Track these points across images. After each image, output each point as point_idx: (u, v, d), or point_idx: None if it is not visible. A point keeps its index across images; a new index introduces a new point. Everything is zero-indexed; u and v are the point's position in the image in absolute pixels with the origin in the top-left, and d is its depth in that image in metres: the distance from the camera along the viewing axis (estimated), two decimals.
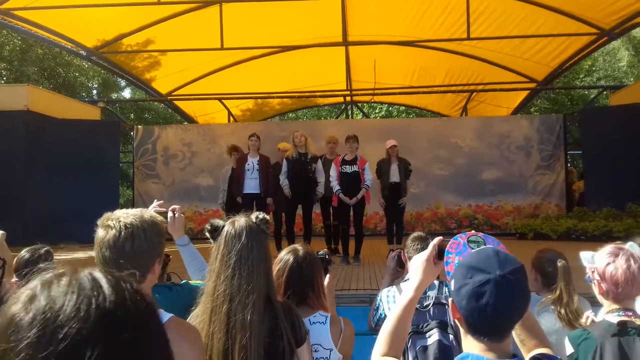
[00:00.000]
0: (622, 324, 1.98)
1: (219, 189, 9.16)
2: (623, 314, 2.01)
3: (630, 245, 2.12)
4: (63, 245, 10.23)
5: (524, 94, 14.92)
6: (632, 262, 2.03)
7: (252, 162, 7.77)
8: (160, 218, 1.73)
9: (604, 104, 17.27)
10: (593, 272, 2.10)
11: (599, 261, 2.10)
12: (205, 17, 10.66)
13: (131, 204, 13.91)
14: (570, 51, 12.30)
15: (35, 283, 0.74)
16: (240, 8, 10.62)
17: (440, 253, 1.67)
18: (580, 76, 22.30)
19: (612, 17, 10.52)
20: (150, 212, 1.72)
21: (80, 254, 8.99)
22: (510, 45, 12.14)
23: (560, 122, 13.01)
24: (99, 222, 1.64)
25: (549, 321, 2.57)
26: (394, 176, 8.00)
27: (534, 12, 10.76)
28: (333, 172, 7.49)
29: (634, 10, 10.03)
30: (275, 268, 2.19)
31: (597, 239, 10.01)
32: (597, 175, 11.77)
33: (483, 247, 1.53)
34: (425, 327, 2.44)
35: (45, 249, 3.04)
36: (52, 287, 0.73)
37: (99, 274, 0.76)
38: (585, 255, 2.17)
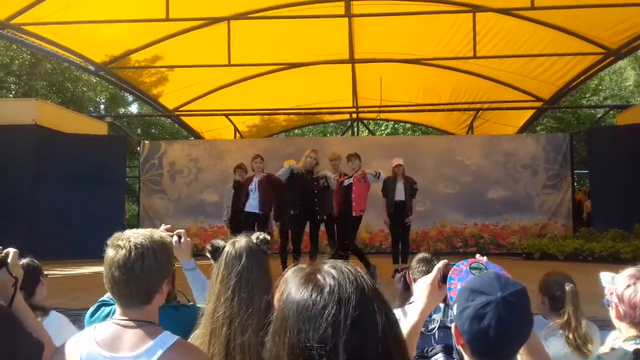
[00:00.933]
0: (637, 353, 1.94)
1: (223, 205, 9.17)
2: None
3: None
4: (69, 260, 10.24)
5: (530, 112, 14.91)
6: None
7: (255, 182, 7.89)
8: (169, 239, 1.72)
9: (610, 123, 17.23)
10: (612, 293, 2.07)
11: (618, 283, 2.06)
12: (212, 34, 10.74)
13: (136, 218, 13.92)
14: (577, 70, 12.31)
15: (308, 272, 1.03)
16: (248, 25, 10.71)
17: (444, 277, 1.66)
18: (587, 95, 22.30)
19: (618, 37, 10.55)
20: (160, 232, 1.71)
21: (86, 269, 8.99)
22: (516, 64, 12.16)
23: (567, 141, 12.97)
24: (108, 242, 1.64)
25: (556, 346, 2.53)
26: (399, 194, 8.00)
27: (540, 32, 10.80)
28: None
29: None
30: (280, 287, 2.17)
31: (604, 260, 9.93)
32: (604, 196, 11.72)
33: (485, 271, 1.52)
34: (431, 351, 2.41)
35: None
36: (331, 272, 1.00)
37: (342, 262, 1.04)
38: (605, 277, 2.14)
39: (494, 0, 9.81)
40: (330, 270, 1.01)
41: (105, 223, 11.25)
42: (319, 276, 1.00)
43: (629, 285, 2.02)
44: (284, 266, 7.90)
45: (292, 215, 7.69)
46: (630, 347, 1.97)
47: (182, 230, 2.45)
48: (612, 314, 2.08)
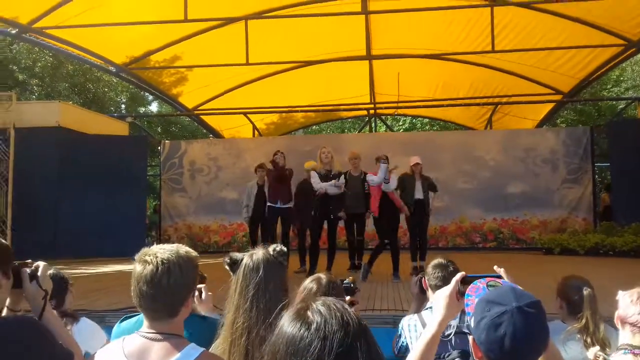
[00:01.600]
0: None
1: (242, 202, 9.30)
2: (629, 351, 1.99)
3: None
4: (92, 259, 10.43)
5: (550, 106, 14.75)
6: None
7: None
8: (194, 253, 1.78)
9: (632, 114, 16.97)
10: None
11: (624, 304, 2.08)
12: (231, 33, 10.83)
13: (158, 216, 14.12)
14: (597, 62, 12.15)
15: (299, 308, 1.09)
16: (265, 24, 10.78)
17: (463, 287, 1.69)
18: (608, 86, 21.94)
19: (639, 29, 10.38)
20: (186, 247, 1.78)
21: (109, 268, 9.15)
22: (535, 57, 12.04)
23: (587, 135, 12.82)
24: (136, 257, 1.71)
25: (575, 350, 2.55)
26: (418, 193, 7.97)
27: (559, 24, 10.68)
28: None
29: None
30: (299, 297, 2.23)
31: (625, 255, 9.84)
32: (625, 189, 11.56)
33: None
34: (447, 357, 2.44)
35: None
36: (319, 309, 1.06)
37: (331, 300, 1.10)
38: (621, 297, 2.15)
39: None
40: (319, 307, 1.07)
41: (128, 222, 11.47)
42: (308, 312, 1.07)
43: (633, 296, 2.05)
44: (302, 262, 7.99)
45: (312, 215, 7.77)
46: (618, 357, 1.98)
47: (203, 285, 2.54)
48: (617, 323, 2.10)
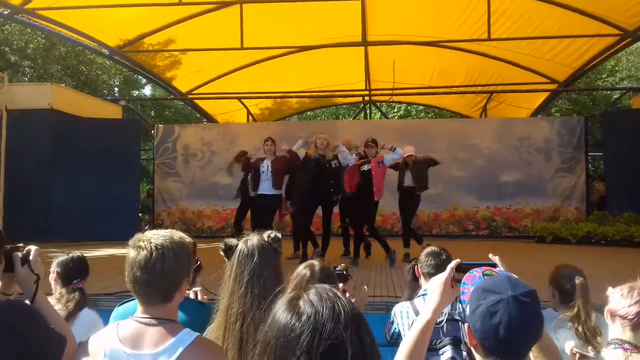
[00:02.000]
0: None
1: (237, 187, 9.29)
2: (619, 346, 1.98)
3: None
4: (85, 242, 10.40)
5: (545, 94, 14.76)
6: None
7: (267, 164, 7.91)
8: (189, 239, 1.78)
9: (627, 105, 17.01)
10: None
11: (615, 299, 2.06)
12: (225, 17, 10.74)
13: (151, 200, 14.08)
14: (593, 52, 12.15)
15: (292, 297, 1.09)
16: (260, 8, 10.68)
17: (457, 275, 1.70)
18: (603, 76, 21.97)
19: (635, 18, 10.38)
20: (180, 233, 1.77)
21: (102, 252, 9.12)
22: (531, 46, 12.02)
23: (581, 124, 12.87)
24: (130, 242, 1.70)
25: (566, 338, 2.57)
26: (408, 181, 8.10)
27: (555, 13, 10.65)
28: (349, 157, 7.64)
29: None
30: (292, 283, 2.23)
31: (617, 244, 9.91)
32: (618, 179, 11.64)
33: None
34: (439, 343, 2.46)
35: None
36: (310, 299, 1.05)
37: (324, 288, 1.10)
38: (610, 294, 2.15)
39: None
40: (311, 297, 1.07)
41: (120, 206, 11.44)
42: (300, 302, 1.07)
43: (623, 291, 2.05)
44: (296, 248, 8.00)
45: (302, 202, 7.74)
46: (610, 353, 1.99)
47: (199, 288, 2.55)
48: (608, 320, 2.09)
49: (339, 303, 1.06)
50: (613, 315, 2.04)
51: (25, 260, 1.95)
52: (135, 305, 2.15)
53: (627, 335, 1.99)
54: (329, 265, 2.39)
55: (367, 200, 7.59)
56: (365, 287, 2.70)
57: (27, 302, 1.92)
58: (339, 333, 1.01)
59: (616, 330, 2.03)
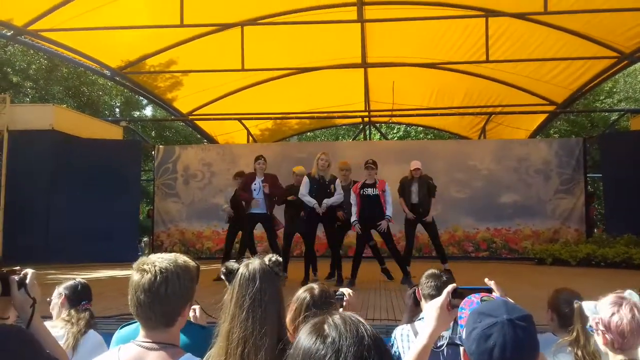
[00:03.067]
0: None
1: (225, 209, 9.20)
2: None
3: (629, 294, 2.12)
4: (85, 264, 10.37)
5: (543, 116, 14.85)
6: (635, 311, 2.00)
7: (258, 182, 7.91)
8: (193, 263, 1.79)
9: (624, 126, 17.11)
10: (597, 323, 2.09)
11: (602, 312, 2.05)
12: (226, 39, 10.85)
13: (151, 221, 14.06)
14: (590, 74, 12.26)
15: (317, 322, 1.12)
16: (261, 30, 10.81)
17: (454, 299, 1.71)
18: (601, 98, 22.13)
19: (632, 41, 10.50)
20: (184, 257, 1.78)
21: (102, 273, 9.10)
22: (529, 68, 12.14)
23: (580, 146, 12.91)
24: (134, 265, 1.71)
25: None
26: (414, 197, 8.16)
27: (553, 35, 10.78)
28: (353, 201, 7.53)
29: None
30: (292, 307, 2.23)
31: (617, 266, 9.89)
32: (617, 200, 11.65)
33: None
34: None
35: None
36: (335, 323, 1.09)
37: (348, 314, 1.14)
38: (588, 306, 2.16)
39: (507, 4, 9.83)
40: (336, 321, 1.11)
41: (121, 227, 11.43)
42: (325, 326, 1.10)
43: (613, 314, 2.02)
44: (284, 269, 7.88)
45: (302, 218, 7.73)
46: None
47: (197, 307, 2.55)
48: (599, 340, 2.09)
49: (361, 327, 1.09)
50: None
51: (21, 283, 1.94)
52: (136, 329, 2.15)
53: (622, 356, 1.99)
54: (328, 289, 2.39)
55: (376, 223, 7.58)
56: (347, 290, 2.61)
57: (23, 326, 1.91)
58: (361, 356, 1.04)
59: (616, 356, 2.02)
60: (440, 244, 8.48)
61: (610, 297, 2.07)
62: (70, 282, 3.15)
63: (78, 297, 3.07)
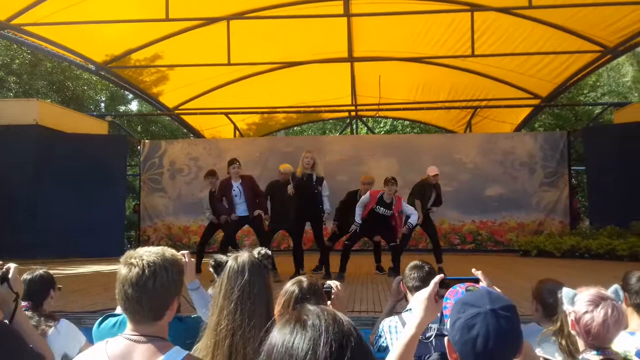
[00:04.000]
0: None
1: (203, 206, 9.10)
2: (601, 352, 2.01)
3: (614, 290, 2.15)
4: (70, 259, 10.31)
5: (528, 110, 14.96)
6: (609, 314, 2.01)
7: (237, 187, 7.73)
8: (180, 256, 1.78)
9: (608, 119, 17.30)
10: (570, 312, 2.13)
11: (578, 306, 2.09)
12: (212, 33, 10.79)
13: (137, 216, 13.99)
14: (575, 68, 12.37)
15: (291, 314, 1.08)
16: (247, 24, 10.76)
17: (441, 290, 1.73)
18: (585, 91, 22.33)
19: (616, 35, 10.60)
20: (172, 250, 1.77)
21: (87, 269, 9.05)
22: (514, 62, 12.22)
23: (564, 139, 13.05)
24: (121, 259, 1.70)
25: (549, 352, 2.60)
26: (431, 202, 8.34)
27: (538, 30, 10.85)
28: (360, 208, 7.57)
29: (638, 29, 10.12)
30: (281, 300, 2.24)
31: (600, 257, 10.02)
32: (600, 193, 11.80)
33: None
34: (427, 358, 2.48)
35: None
36: (311, 311, 1.06)
37: (322, 309, 1.08)
38: (567, 293, 2.19)
39: None
40: (312, 310, 1.07)
41: (106, 222, 11.36)
42: (302, 315, 1.06)
43: (587, 312, 2.05)
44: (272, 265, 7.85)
45: (290, 216, 7.66)
46: (594, 357, 2.02)
47: (186, 252, 2.51)
48: (569, 324, 2.14)
49: (338, 314, 1.07)
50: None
51: (4, 278, 1.93)
52: (117, 323, 2.15)
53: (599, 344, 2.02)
54: (316, 282, 2.40)
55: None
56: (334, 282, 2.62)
57: (6, 321, 1.90)
58: (344, 339, 1.01)
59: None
60: (438, 242, 8.50)
61: (591, 293, 2.10)
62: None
63: (42, 295, 2.98)
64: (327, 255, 7.74)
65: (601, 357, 2.00)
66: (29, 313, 2.82)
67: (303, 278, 2.35)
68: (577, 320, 2.06)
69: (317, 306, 1.09)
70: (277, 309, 2.23)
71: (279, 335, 1.06)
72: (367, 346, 1.07)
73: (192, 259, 2.51)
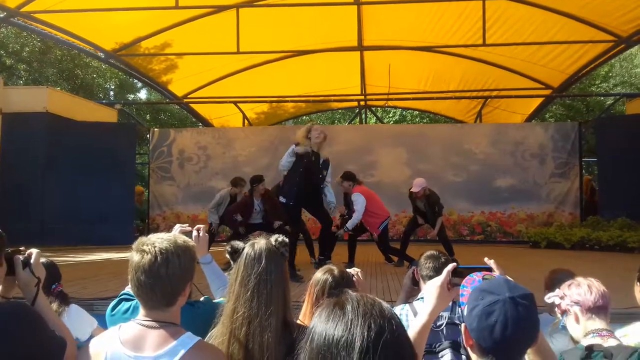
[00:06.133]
0: (589, 348, 2.06)
1: (212, 204, 9.00)
2: (597, 334, 2.12)
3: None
4: (80, 246, 10.38)
5: (539, 100, 14.85)
6: (592, 281, 2.26)
7: (258, 205, 7.96)
8: (192, 242, 1.78)
9: (620, 110, 17.13)
10: (563, 298, 2.28)
11: (565, 291, 2.28)
12: (221, 21, 10.75)
13: (147, 204, 14.04)
14: (587, 58, 12.23)
15: (334, 302, 1.09)
16: (257, 13, 10.71)
17: (454, 278, 1.72)
18: (597, 82, 22.11)
19: (629, 25, 10.46)
20: (183, 237, 1.78)
21: (97, 256, 9.11)
22: (525, 52, 12.11)
23: (575, 130, 12.94)
24: (133, 246, 1.70)
25: (561, 342, 2.59)
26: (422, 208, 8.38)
27: (550, 19, 10.73)
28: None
29: None
30: (313, 290, 2.23)
31: (611, 249, 9.96)
32: (611, 184, 11.70)
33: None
34: (438, 347, 2.48)
35: None
36: (353, 299, 1.07)
37: (362, 295, 1.10)
38: (551, 296, 2.35)
39: None
40: (354, 297, 1.09)
41: (116, 210, 11.41)
42: (344, 302, 1.08)
43: (570, 285, 2.28)
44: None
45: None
46: (588, 341, 2.08)
47: (202, 226, 2.52)
48: (572, 321, 2.25)
49: (377, 300, 1.10)
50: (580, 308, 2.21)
51: (26, 263, 1.97)
52: (130, 309, 2.15)
53: (597, 323, 2.16)
54: (345, 269, 2.40)
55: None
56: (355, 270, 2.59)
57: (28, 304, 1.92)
58: (383, 322, 1.03)
59: (587, 324, 2.18)
60: (445, 238, 8.45)
61: (568, 282, 2.33)
62: None
63: (46, 282, 3.02)
64: (333, 242, 7.37)
65: (595, 339, 2.06)
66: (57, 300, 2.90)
67: (332, 266, 2.35)
68: (572, 296, 2.24)
69: (360, 297, 1.10)
70: (308, 299, 2.22)
71: (318, 321, 1.08)
72: (407, 334, 1.09)
73: (206, 234, 2.50)
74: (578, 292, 2.23)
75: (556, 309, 2.33)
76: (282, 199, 6.83)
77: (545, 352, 1.82)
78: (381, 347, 1.00)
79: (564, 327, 2.34)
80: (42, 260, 3.05)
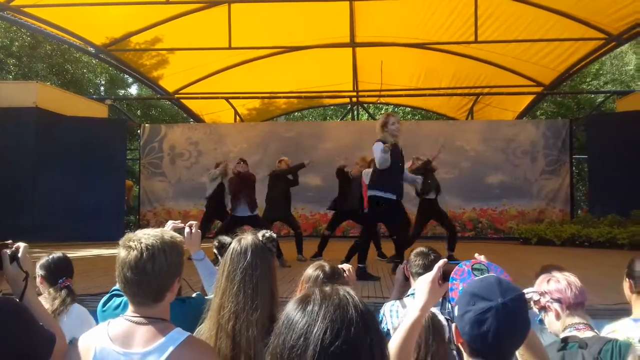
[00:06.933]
0: (564, 340, 2.13)
1: (208, 185, 9.13)
2: (574, 328, 2.18)
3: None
4: (70, 243, 10.30)
5: (531, 97, 14.90)
6: (569, 276, 2.32)
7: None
8: (179, 238, 1.77)
9: (611, 107, 17.23)
10: (542, 294, 2.32)
11: (543, 287, 2.33)
12: (213, 17, 10.70)
13: (137, 200, 13.98)
14: (578, 55, 12.28)
15: (301, 297, 1.09)
16: (249, 8, 10.66)
17: (445, 275, 1.72)
18: (588, 80, 22.21)
19: (620, 23, 10.50)
20: (171, 232, 1.76)
21: (87, 252, 9.05)
22: (517, 49, 12.13)
23: (566, 127, 13.02)
24: (120, 242, 1.69)
25: (551, 337, 2.60)
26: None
27: (541, 16, 10.75)
28: None
29: None
30: (303, 285, 2.23)
31: (601, 246, 10.02)
32: (601, 181, 11.76)
33: (486, 274, 1.57)
34: None
35: None
36: (321, 294, 1.07)
37: (338, 289, 1.08)
38: (530, 292, 2.37)
39: None
40: (322, 293, 1.09)
41: (106, 206, 11.35)
42: (311, 297, 1.09)
43: (550, 280, 2.32)
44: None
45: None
46: (566, 335, 2.16)
47: (194, 222, 2.50)
48: (552, 318, 2.30)
49: (349, 300, 1.07)
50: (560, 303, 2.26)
51: (14, 257, 1.93)
52: (120, 305, 2.13)
53: (575, 319, 2.22)
54: (336, 265, 2.40)
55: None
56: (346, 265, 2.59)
57: (16, 299, 1.90)
58: (342, 329, 1.01)
59: (566, 319, 2.24)
60: (453, 229, 8.48)
61: (542, 276, 2.38)
62: (44, 260, 3.08)
63: (54, 275, 3.01)
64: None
65: (572, 333, 2.10)
66: (63, 292, 2.90)
67: (323, 262, 2.35)
68: (551, 293, 2.29)
69: (331, 289, 1.08)
70: (299, 295, 2.22)
71: (288, 309, 1.09)
72: (374, 338, 1.04)
73: (199, 230, 2.48)
74: (558, 288, 2.27)
75: (532, 303, 2.33)
76: (387, 195, 6.32)
77: (535, 347, 1.83)
78: (331, 355, 0.98)
79: (541, 321, 2.38)
80: (58, 254, 3.07)
